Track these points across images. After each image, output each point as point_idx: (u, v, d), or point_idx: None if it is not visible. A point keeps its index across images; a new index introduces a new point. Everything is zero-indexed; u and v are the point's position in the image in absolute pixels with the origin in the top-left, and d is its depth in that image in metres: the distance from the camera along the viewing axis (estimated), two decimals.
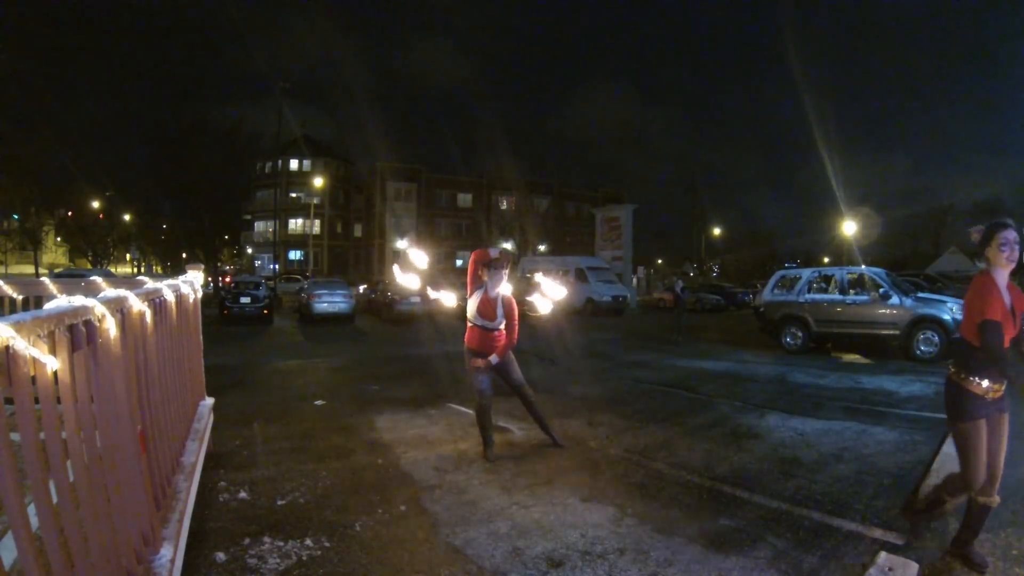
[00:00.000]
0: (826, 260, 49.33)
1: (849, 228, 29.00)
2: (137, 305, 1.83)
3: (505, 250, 4.30)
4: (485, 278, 4.20)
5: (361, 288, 26.39)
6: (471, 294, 4.24)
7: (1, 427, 0.99)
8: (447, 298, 4.62)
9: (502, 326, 4.22)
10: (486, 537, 2.92)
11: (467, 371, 4.32)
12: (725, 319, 20.85)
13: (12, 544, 1.06)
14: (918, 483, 3.51)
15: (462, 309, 4.48)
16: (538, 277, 4.76)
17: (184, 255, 35.29)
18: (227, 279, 26.76)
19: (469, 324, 4.27)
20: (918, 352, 8.95)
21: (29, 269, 35.03)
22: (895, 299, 9.35)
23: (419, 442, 4.63)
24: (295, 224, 46.75)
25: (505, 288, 4.24)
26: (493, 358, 4.17)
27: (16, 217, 32.41)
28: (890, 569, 2.50)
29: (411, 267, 4.42)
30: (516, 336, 4.29)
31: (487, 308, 4.17)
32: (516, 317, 4.27)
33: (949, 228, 59.17)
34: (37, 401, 1.15)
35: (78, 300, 1.39)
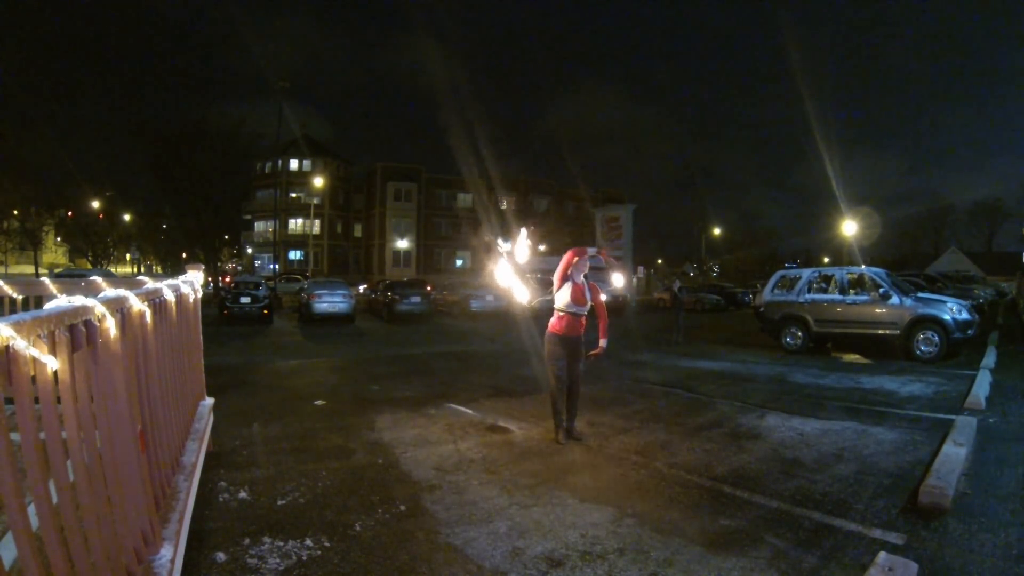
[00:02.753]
0: (826, 260, 49.39)
1: (849, 228, 28.98)
2: (137, 305, 1.83)
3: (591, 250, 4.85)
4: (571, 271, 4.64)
5: (361, 288, 26.40)
6: (559, 288, 4.64)
7: (1, 427, 0.99)
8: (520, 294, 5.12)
9: (586, 310, 4.68)
10: (486, 537, 2.92)
11: (545, 359, 4.71)
12: (725, 319, 20.84)
13: (12, 544, 1.06)
14: (918, 483, 3.51)
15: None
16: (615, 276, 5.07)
17: (184, 255, 35.29)
18: (227, 279, 26.76)
19: (559, 314, 4.64)
20: (918, 352, 8.94)
21: (29, 269, 35.04)
22: (895, 299, 9.35)
23: (419, 442, 4.63)
24: (295, 224, 46.72)
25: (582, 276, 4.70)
26: (603, 342, 4.77)
27: (16, 213, 32.38)
28: (890, 569, 2.49)
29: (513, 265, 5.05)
30: (606, 315, 4.85)
31: (579, 295, 4.59)
32: (600, 297, 4.76)
33: (949, 228, 59.36)
34: (37, 401, 1.15)
35: (78, 300, 1.39)
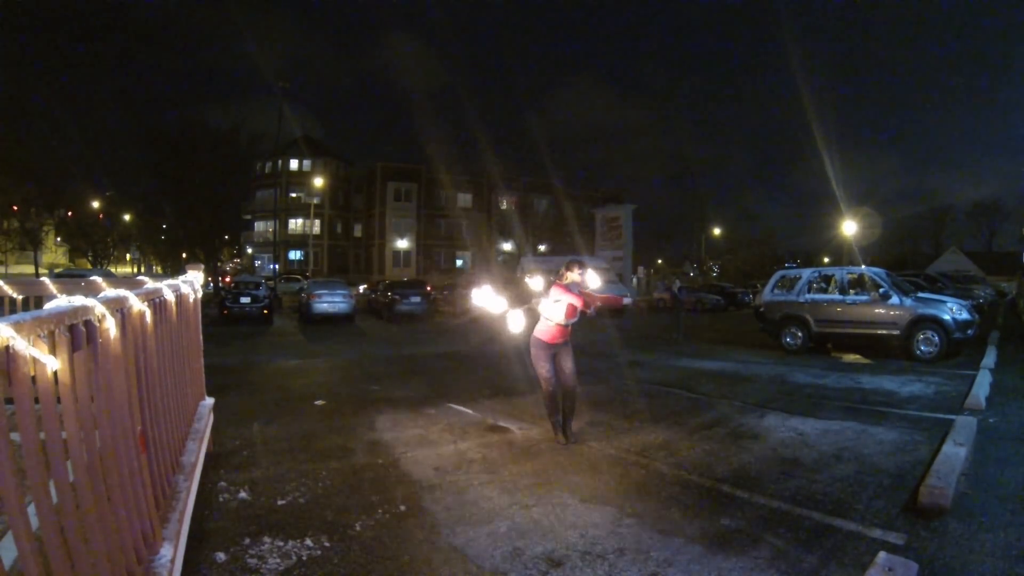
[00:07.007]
0: (826, 260, 49.36)
1: (849, 228, 28.95)
2: (137, 305, 1.83)
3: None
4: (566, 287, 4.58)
5: (361, 288, 26.41)
6: (553, 300, 4.57)
7: (1, 427, 0.99)
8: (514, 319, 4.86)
9: (576, 320, 4.70)
10: (486, 537, 2.92)
11: (533, 362, 4.66)
12: (725, 319, 20.84)
13: (12, 544, 1.06)
14: (918, 483, 3.51)
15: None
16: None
17: (184, 255, 35.26)
18: (227, 279, 26.76)
19: (550, 323, 4.57)
20: (918, 352, 8.94)
21: (29, 269, 35.01)
22: (895, 299, 9.35)
23: (419, 442, 4.63)
24: (295, 224, 46.73)
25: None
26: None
27: (15, 210, 32.26)
28: (890, 569, 2.49)
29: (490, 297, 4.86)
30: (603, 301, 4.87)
31: (573, 312, 4.57)
32: (595, 298, 4.79)
33: (949, 228, 59.50)
34: (37, 401, 1.15)
35: (78, 300, 1.39)
